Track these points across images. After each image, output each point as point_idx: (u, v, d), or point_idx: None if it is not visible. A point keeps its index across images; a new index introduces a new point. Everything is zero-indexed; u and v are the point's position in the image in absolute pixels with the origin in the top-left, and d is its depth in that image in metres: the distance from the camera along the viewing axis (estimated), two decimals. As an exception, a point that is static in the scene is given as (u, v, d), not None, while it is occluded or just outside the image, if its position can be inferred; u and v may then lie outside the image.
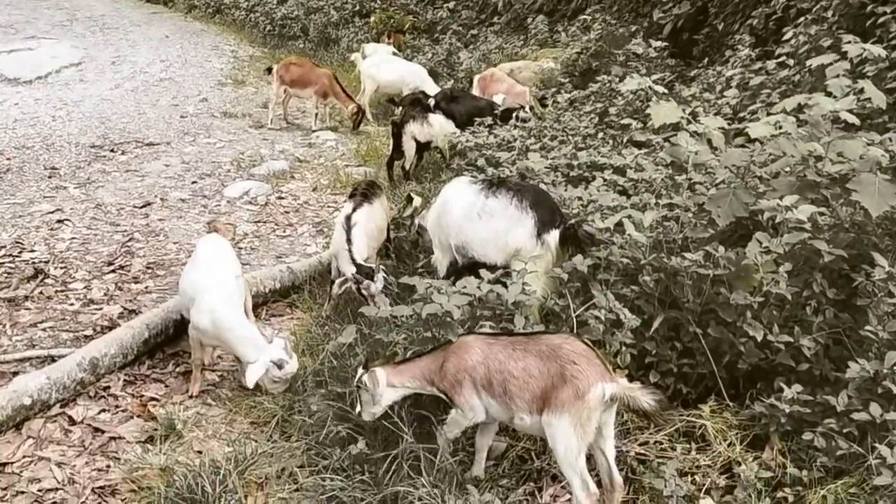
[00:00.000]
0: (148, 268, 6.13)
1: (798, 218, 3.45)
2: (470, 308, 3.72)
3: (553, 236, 4.19)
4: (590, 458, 3.12)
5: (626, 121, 7.33)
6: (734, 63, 8.02)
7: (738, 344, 3.72)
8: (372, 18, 15.99)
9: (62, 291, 5.60)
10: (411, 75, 10.88)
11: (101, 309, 5.34)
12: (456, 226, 4.56)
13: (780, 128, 3.87)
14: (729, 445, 3.59)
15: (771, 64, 7.40)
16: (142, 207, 7.41)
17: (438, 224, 4.76)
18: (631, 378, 3.77)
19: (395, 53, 12.97)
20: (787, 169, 4.09)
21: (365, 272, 4.76)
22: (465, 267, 4.58)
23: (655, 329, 3.78)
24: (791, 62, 7.28)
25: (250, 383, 4.01)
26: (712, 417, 3.70)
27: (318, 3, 17.85)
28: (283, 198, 7.99)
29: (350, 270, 4.83)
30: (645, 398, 2.92)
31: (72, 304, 5.39)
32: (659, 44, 7.89)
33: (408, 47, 14.26)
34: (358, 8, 17.34)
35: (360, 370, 3.48)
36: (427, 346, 3.62)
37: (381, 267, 4.87)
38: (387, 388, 3.39)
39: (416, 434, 3.47)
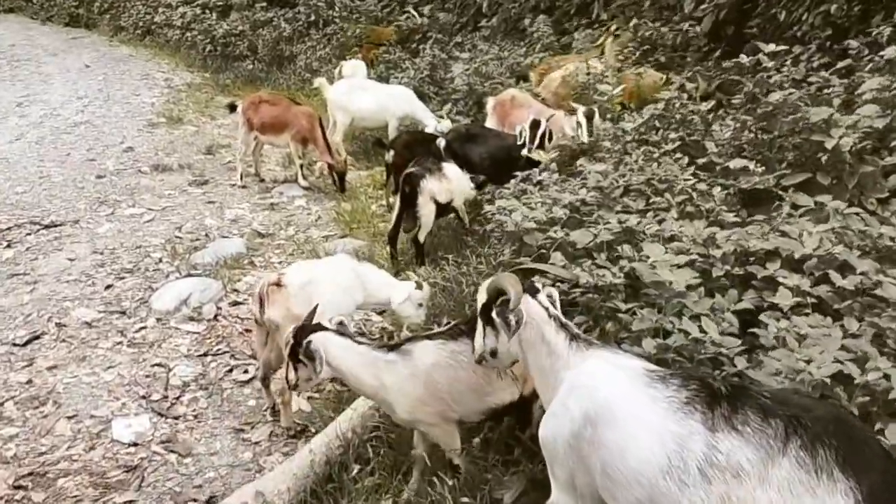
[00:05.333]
0: (17, 488, 3.60)
1: None
2: None
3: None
4: None
5: (736, 162, 5.01)
6: (870, 65, 5.67)
7: None
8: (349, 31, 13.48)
9: None
10: (396, 102, 8.39)
11: None
12: (644, 486, 2.05)
13: None
14: None
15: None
16: (25, 345, 4.85)
17: (575, 449, 2.30)
18: None
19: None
20: None
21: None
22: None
23: None
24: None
25: None
26: None
27: (266, 16, 15.30)
28: (240, 303, 5.48)
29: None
30: None
31: None
32: (772, 47, 5.45)
33: (381, 62, 11.78)
34: (313, 18, 14.79)
35: None
36: None
37: None
38: None
39: None
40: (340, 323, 3.16)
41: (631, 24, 8.90)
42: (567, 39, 10.64)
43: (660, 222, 4.30)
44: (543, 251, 3.99)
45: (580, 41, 9.79)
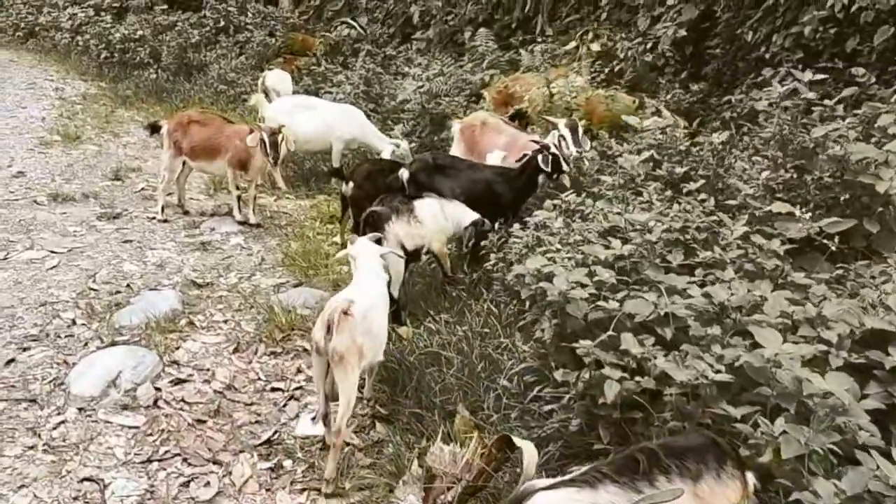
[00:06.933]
0: None
1: None
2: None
3: None
4: None
5: (779, 206, 4.38)
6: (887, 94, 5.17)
7: None
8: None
9: None
10: (344, 123, 7.41)
11: None
12: None
13: None
14: None
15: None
16: None
17: None
18: None
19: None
20: None
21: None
22: None
23: None
24: None
25: None
26: None
27: (168, 20, 13.93)
28: (184, 381, 4.39)
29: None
30: None
31: None
32: (808, 75, 4.79)
33: (306, 74, 10.74)
34: (222, 24, 13.55)
35: None
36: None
37: None
38: None
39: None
40: None
41: (603, 39, 8.27)
42: (513, 55, 9.95)
43: (712, 283, 3.59)
44: (608, 331, 3.16)
45: (534, 57, 9.08)
